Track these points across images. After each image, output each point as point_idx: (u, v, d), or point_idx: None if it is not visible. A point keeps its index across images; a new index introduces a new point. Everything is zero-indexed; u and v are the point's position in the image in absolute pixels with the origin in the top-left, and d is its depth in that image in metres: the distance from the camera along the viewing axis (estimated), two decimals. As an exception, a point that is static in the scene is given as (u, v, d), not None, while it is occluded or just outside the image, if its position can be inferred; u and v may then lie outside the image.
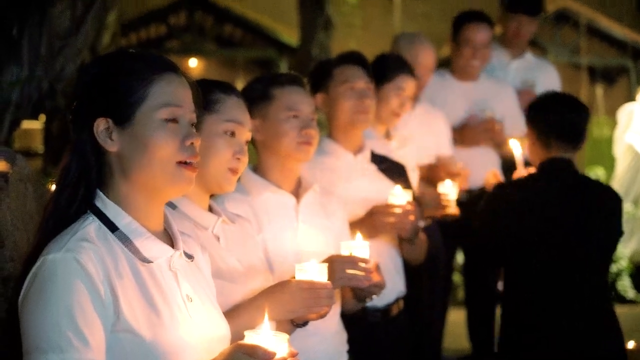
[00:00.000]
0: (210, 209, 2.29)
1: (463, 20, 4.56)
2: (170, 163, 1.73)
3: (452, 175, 3.96)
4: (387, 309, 3.16)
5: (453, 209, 3.55)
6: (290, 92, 2.66)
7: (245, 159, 2.27)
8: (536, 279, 3.34)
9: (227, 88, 2.29)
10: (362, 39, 11.33)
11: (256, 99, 2.66)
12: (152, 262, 1.73)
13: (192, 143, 1.76)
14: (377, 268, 2.53)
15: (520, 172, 3.83)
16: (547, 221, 3.34)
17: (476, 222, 3.52)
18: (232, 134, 2.24)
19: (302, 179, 2.76)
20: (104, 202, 1.74)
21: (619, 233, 3.43)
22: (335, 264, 2.44)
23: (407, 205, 2.98)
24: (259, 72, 12.48)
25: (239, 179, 2.67)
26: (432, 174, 4.06)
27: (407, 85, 3.68)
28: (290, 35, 11.52)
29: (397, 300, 3.20)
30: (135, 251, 1.72)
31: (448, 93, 4.59)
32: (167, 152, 1.73)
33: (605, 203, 3.42)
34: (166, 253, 1.77)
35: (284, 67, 12.21)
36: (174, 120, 1.75)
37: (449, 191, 3.57)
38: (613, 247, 3.45)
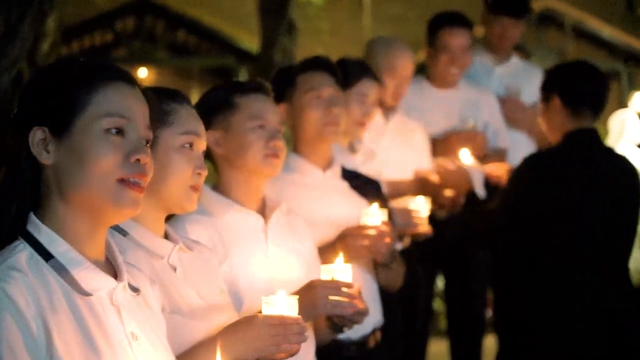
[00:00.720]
0: (166, 235, 2.25)
1: (439, 24, 4.57)
2: (110, 180, 1.68)
3: (436, 190, 3.98)
4: (363, 341, 3.13)
5: (425, 227, 3.55)
6: (255, 100, 2.64)
7: (205, 173, 2.24)
8: (569, 248, 3.50)
9: (178, 96, 2.26)
10: (330, 44, 11.37)
11: (217, 108, 2.64)
12: (91, 294, 1.67)
13: (138, 160, 1.71)
14: (360, 293, 2.52)
15: (495, 170, 3.92)
16: (582, 192, 3.54)
17: (501, 196, 3.68)
18: (190, 146, 2.22)
19: (266, 197, 2.74)
20: (37, 227, 1.69)
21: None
22: (317, 289, 2.43)
23: (382, 226, 2.97)
24: (216, 82, 12.45)
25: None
26: (420, 188, 4.06)
27: (371, 90, 3.65)
28: (250, 42, 11.53)
29: (373, 331, 3.18)
30: (73, 283, 1.66)
31: (425, 101, 4.59)
32: (107, 167, 1.68)
33: (634, 175, 3.67)
34: (108, 285, 1.71)
35: (243, 76, 12.21)
36: (119, 132, 1.70)
37: (420, 208, 3.57)
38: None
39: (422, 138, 4.33)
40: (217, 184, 2.70)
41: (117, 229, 2.13)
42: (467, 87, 4.68)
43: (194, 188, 2.21)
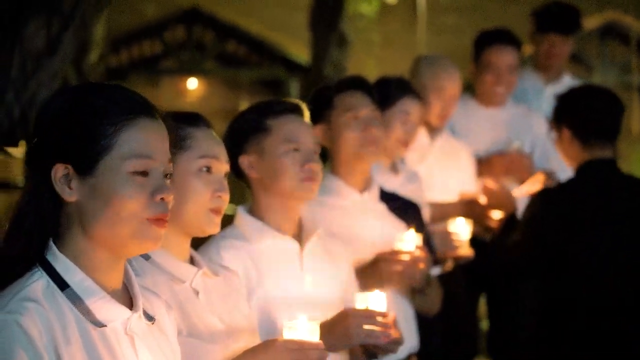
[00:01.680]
0: (192, 259, 2.29)
1: (484, 42, 4.55)
2: (136, 220, 1.72)
3: (483, 212, 3.98)
4: (397, 367, 3.14)
5: (465, 250, 3.54)
6: (288, 122, 2.66)
7: (226, 196, 2.26)
8: (581, 291, 3.48)
9: (195, 119, 2.30)
10: (382, 56, 11.39)
11: (250, 131, 2.66)
12: (105, 325, 1.72)
13: (162, 199, 1.75)
14: (395, 322, 2.55)
15: (531, 188, 3.93)
16: (596, 227, 3.49)
17: (517, 233, 3.66)
18: (208, 169, 2.25)
19: (303, 221, 2.75)
20: (55, 256, 1.73)
21: None
22: (351, 319, 2.46)
23: (415, 251, 2.98)
24: (266, 93, 12.57)
25: (230, 222, 2.68)
26: (467, 210, 4.07)
27: (413, 109, 3.66)
28: (301, 53, 11.60)
29: (408, 357, 3.18)
30: (87, 313, 1.70)
31: (471, 120, 4.59)
32: (133, 209, 1.72)
33: None
34: (122, 315, 1.75)
35: (294, 88, 12.29)
36: (143, 173, 1.73)
37: (460, 230, 3.56)
38: None
39: (468, 159, 4.33)
40: (253, 208, 2.72)
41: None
42: (514, 106, 4.66)
43: (215, 211, 2.24)
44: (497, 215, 4.08)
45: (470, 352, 4.69)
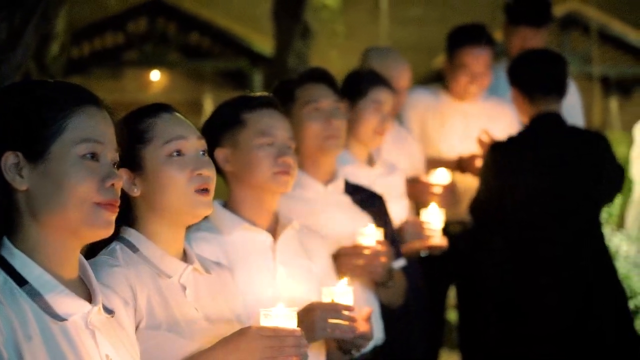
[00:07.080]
0: (185, 254, 2.26)
1: (459, 42, 4.53)
2: (87, 204, 1.74)
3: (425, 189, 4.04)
4: (364, 360, 3.16)
5: (438, 240, 3.55)
6: (263, 116, 2.67)
7: (207, 172, 2.20)
8: (532, 237, 3.97)
9: (153, 109, 2.25)
10: (346, 47, 11.41)
11: (225, 125, 2.68)
12: (66, 319, 1.72)
13: (112, 185, 1.77)
14: (368, 316, 2.56)
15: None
16: (543, 175, 3.98)
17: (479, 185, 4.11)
18: (179, 152, 2.20)
19: (279, 214, 2.76)
20: (11, 252, 1.73)
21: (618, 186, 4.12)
22: (316, 312, 2.46)
23: (377, 245, 3.01)
24: (229, 85, 12.54)
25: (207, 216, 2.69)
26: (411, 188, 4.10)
27: (385, 98, 3.70)
28: (265, 44, 11.60)
29: (374, 350, 3.20)
30: (47, 307, 1.71)
31: (444, 115, 4.60)
32: (84, 192, 1.73)
33: (599, 151, 4.08)
34: (82, 309, 1.76)
35: (257, 80, 12.28)
36: (93, 157, 1.76)
37: (433, 219, 3.57)
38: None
39: (417, 147, 4.41)
40: (228, 201, 2.72)
41: (129, 244, 2.17)
42: (486, 100, 4.65)
43: (200, 190, 2.19)
44: (438, 190, 4.09)
45: (435, 344, 4.72)
